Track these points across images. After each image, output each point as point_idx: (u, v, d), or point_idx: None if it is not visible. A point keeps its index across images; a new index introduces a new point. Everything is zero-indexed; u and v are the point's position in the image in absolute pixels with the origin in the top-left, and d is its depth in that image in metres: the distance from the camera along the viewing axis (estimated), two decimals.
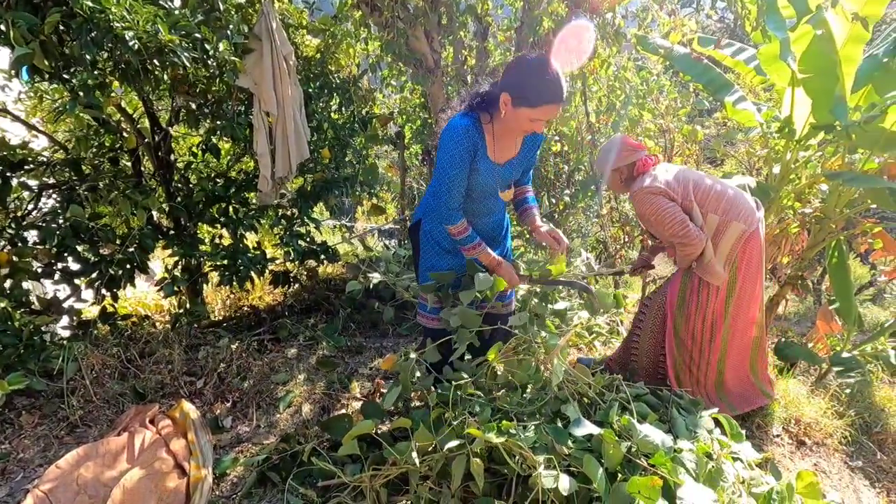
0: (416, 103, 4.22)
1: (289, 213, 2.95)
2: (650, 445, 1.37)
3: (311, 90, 2.91)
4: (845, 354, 3.49)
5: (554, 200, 5.20)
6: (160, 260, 3.42)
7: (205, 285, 3.07)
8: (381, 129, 3.31)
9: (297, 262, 2.96)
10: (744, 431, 1.68)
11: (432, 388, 1.74)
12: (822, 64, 3.17)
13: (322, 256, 2.94)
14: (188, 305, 2.75)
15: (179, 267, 2.69)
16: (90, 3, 1.72)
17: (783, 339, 3.82)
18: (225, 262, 2.61)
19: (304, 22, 3.50)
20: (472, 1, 3.54)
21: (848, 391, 2.57)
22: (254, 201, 2.84)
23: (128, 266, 2.41)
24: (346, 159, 3.16)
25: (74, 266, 2.35)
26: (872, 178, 3.23)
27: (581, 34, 3.27)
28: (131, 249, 2.39)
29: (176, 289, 2.57)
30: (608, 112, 4.16)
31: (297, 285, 3.19)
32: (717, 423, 1.69)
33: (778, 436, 2.27)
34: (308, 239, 2.95)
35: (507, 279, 1.84)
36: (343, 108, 3.12)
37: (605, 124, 4.20)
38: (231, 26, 2.22)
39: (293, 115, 2.52)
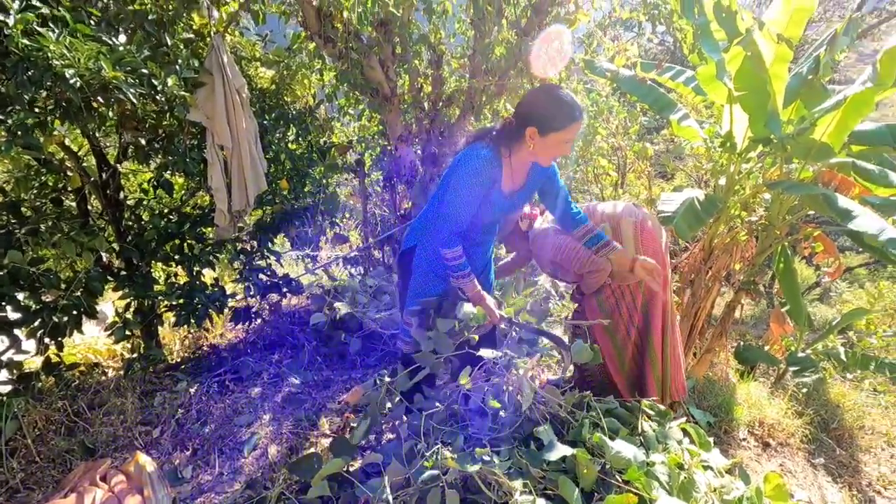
0: (374, 131, 4.24)
1: (248, 246, 2.87)
2: (623, 461, 1.38)
3: (266, 122, 2.88)
4: (800, 354, 3.66)
5: None
6: (111, 302, 3.25)
7: (160, 327, 2.93)
8: (340, 158, 3.30)
9: (258, 297, 2.87)
10: (712, 439, 1.72)
11: (404, 418, 1.69)
12: (755, 82, 3.39)
13: (285, 290, 2.86)
14: (142, 349, 2.61)
15: (132, 309, 2.56)
16: (26, 42, 1.65)
17: (742, 343, 3.97)
18: (181, 301, 2.50)
19: (256, 54, 3.49)
20: (424, 31, 3.62)
21: (805, 390, 2.68)
22: (210, 236, 2.75)
23: (74, 312, 2.27)
24: (306, 189, 3.12)
25: (14, 315, 2.19)
26: (808, 186, 3.44)
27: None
28: (77, 294, 2.26)
29: (128, 332, 2.44)
30: None
31: (259, 321, 3.08)
32: (685, 431, 1.71)
33: (744, 439, 2.33)
34: (269, 272, 2.87)
35: (487, 314, 1.85)
36: (300, 139, 3.10)
37: None
38: (180, 61, 2.18)
39: (248, 147, 2.48)
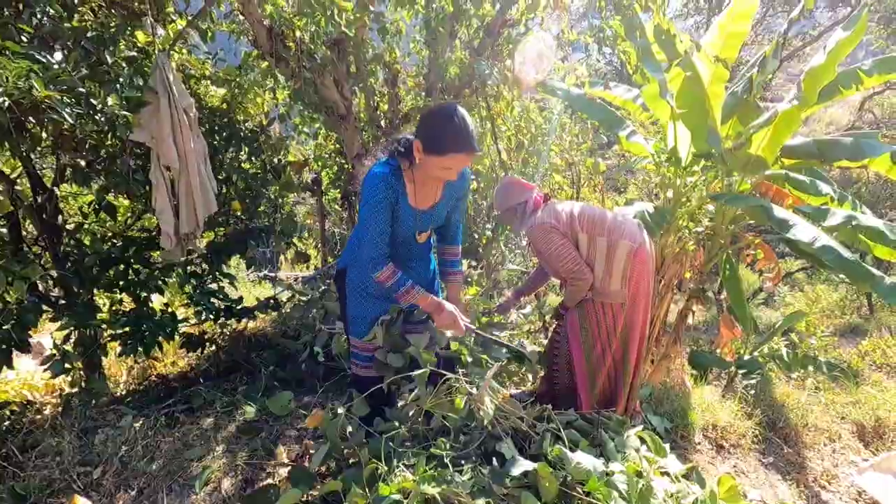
0: (331, 149, 4.20)
1: (199, 269, 2.76)
2: (583, 473, 1.39)
3: (216, 142, 2.80)
4: (747, 357, 3.83)
5: (476, 235, 5.38)
6: (50, 334, 3.04)
7: (105, 357, 2.75)
8: (295, 176, 3.25)
9: (212, 322, 2.76)
10: (668, 445, 1.77)
11: (364, 442, 1.65)
12: (694, 100, 3.59)
13: (239, 313, 2.76)
14: (83, 383, 2.44)
15: (72, 340, 2.40)
16: None
17: (694, 349, 4.13)
18: (126, 329, 2.36)
19: (206, 72, 3.41)
20: (378, 50, 3.65)
21: (752, 392, 2.80)
22: (158, 260, 2.63)
23: (3, 346, 2.11)
24: (260, 209, 3.05)
25: None
26: (747, 198, 3.66)
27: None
28: (6, 327, 2.10)
29: (67, 366, 2.28)
30: (518, 150, 4.40)
31: (213, 347, 2.95)
32: (643, 439, 1.75)
33: (699, 443, 2.41)
34: (222, 296, 2.76)
35: (448, 324, 1.79)
36: (253, 158, 3.03)
37: (516, 161, 4.43)
38: (122, 79, 2.10)
39: (197, 168, 2.40)
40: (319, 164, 4.27)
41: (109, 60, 2.06)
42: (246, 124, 3.13)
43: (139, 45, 2.56)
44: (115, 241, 2.59)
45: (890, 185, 8.38)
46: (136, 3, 2.55)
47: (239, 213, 2.79)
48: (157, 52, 2.33)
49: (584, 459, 1.43)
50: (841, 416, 2.72)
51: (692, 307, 4.34)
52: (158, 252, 2.53)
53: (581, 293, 2.24)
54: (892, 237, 3.09)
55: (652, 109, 4.28)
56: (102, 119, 1.99)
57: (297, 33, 2.94)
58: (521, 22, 3.78)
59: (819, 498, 2.12)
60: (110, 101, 1.95)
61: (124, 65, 2.16)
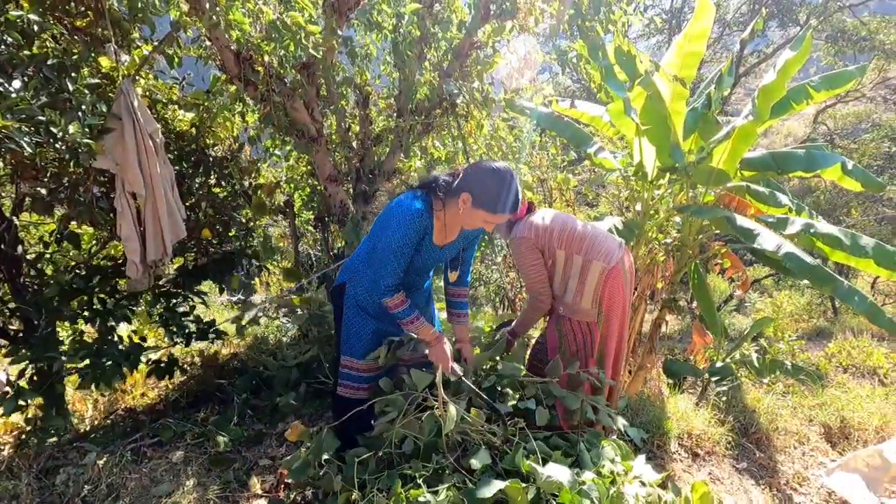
0: (303, 171, 4.19)
1: (169, 289, 2.69)
2: (555, 485, 1.40)
3: (183, 167, 2.76)
4: (719, 364, 3.92)
5: None
6: (3, 370, 2.90)
7: (66, 392, 2.64)
8: (267, 199, 3.22)
9: (182, 346, 2.68)
10: (643, 456, 1.79)
11: (338, 469, 1.62)
12: (657, 117, 3.73)
13: (212, 336, 2.69)
14: (40, 420, 2.33)
15: (27, 375, 2.30)
16: None
17: (668, 358, 4.20)
18: (86, 361, 2.28)
19: (174, 97, 3.38)
20: (349, 73, 3.69)
21: (724, 399, 2.86)
22: (124, 289, 2.56)
23: None
24: (231, 234, 3.01)
25: None
26: (712, 210, 3.79)
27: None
28: None
29: (21, 403, 2.18)
30: None
31: (182, 377, 2.86)
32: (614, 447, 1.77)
33: (675, 452, 2.44)
34: (193, 319, 2.70)
35: (439, 358, 1.83)
36: (223, 182, 3.00)
37: None
38: (84, 107, 2.07)
39: (164, 194, 2.36)
40: (291, 186, 4.25)
41: (71, 88, 2.03)
42: (215, 148, 3.10)
43: (104, 71, 2.53)
44: (78, 270, 2.51)
45: (845, 193, 8.79)
46: (100, 30, 2.53)
47: (209, 240, 2.74)
48: (120, 78, 2.31)
49: (555, 472, 1.44)
50: (809, 419, 2.80)
51: (665, 317, 4.43)
52: (125, 281, 2.46)
53: (534, 318, 2.30)
54: (847, 243, 3.24)
55: (618, 126, 4.42)
56: (63, 147, 1.95)
57: (266, 57, 2.95)
58: (488, 44, 3.88)
59: (791, 501, 2.17)
60: (72, 128, 1.91)
61: (87, 92, 2.12)
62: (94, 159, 2.16)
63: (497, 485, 1.39)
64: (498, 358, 2.23)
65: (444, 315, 2.25)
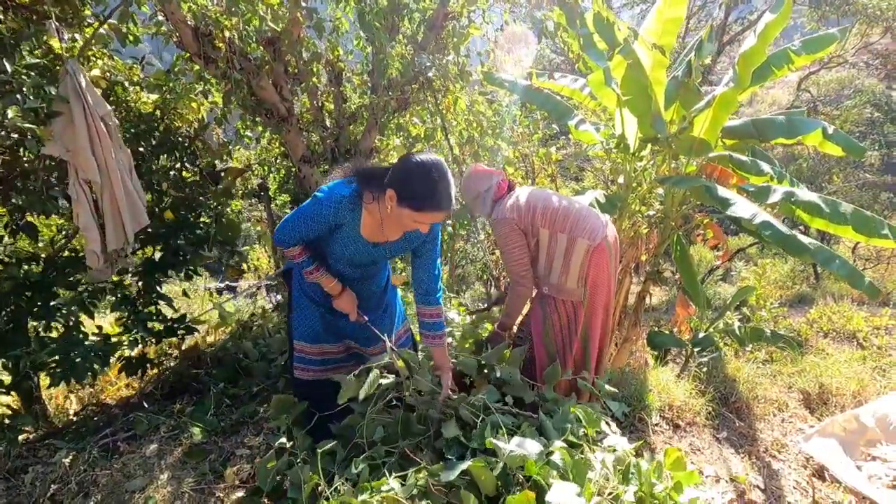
0: (276, 153, 4.06)
1: (132, 291, 2.60)
2: (518, 459, 1.37)
3: (144, 149, 2.64)
4: (701, 335, 3.94)
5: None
6: None
7: (37, 388, 2.57)
8: (234, 183, 3.11)
9: (154, 344, 2.61)
10: (614, 425, 1.78)
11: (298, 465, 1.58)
12: (638, 87, 3.64)
13: (181, 332, 2.62)
14: (9, 420, 2.27)
15: None
16: None
17: (652, 330, 4.21)
18: (55, 358, 2.20)
19: (135, 78, 3.22)
20: (321, 49, 3.53)
21: (705, 370, 2.86)
22: (88, 281, 2.46)
23: None
24: (201, 220, 2.90)
25: None
26: (692, 179, 3.75)
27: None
28: None
29: None
30: (469, 143, 4.38)
31: (154, 370, 2.79)
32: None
33: (657, 424, 2.44)
34: (159, 318, 2.61)
35: (342, 307, 1.81)
36: (188, 165, 2.88)
37: (468, 155, 4.41)
38: (24, 89, 1.94)
39: (121, 180, 2.25)
40: (266, 168, 4.12)
41: (9, 69, 1.89)
42: (180, 130, 2.97)
43: (55, 52, 2.38)
44: (34, 263, 2.40)
45: (827, 160, 8.82)
46: (47, 7, 2.36)
47: (171, 223, 2.63)
48: (65, 58, 2.17)
49: (519, 445, 1.41)
50: (788, 386, 2.82)
51: (649, 289, 4.43)
52: (86, 273, 2.37)
53: (519, 305, 2.24)
54: (827, 210, 3.22)
55: (599, 97, 4.32)
56: (3, 133, 1.83)
57: (227, 33, 2.81)
58: (462, 14, 3.74)
59: (770, 468, 2.18)
60: (10, 113, 1.79)
61: (26, 74, 1.99)
62: (43, 145, 2.05)
63: (460, 466, 1.36)
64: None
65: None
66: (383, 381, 1.69)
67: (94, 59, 3.03)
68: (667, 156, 4.07)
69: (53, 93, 2.14)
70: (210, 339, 3.58)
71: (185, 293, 3.43)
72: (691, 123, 3.75)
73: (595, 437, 1.67)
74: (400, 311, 2.09)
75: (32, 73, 2.01)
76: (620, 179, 4.53)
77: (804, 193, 3.31)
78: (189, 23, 2.66)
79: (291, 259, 1.77)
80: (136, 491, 1.98)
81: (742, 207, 3.14)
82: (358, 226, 1.68)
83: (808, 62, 4.15)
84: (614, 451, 1.63)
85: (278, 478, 1.63)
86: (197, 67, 3.05)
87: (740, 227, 4.42)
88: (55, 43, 2.40)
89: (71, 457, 2.04)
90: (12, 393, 2.51)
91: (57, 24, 2.20)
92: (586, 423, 1.60)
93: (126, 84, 3.15)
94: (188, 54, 2.99)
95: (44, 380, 2.57)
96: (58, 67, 2.31)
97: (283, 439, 1.68)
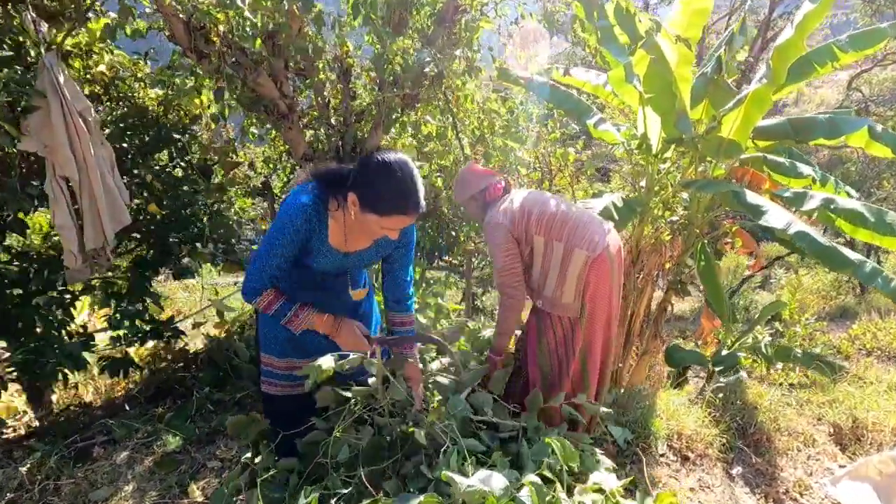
0: (281, 151, 3.99)
1: (121, 287, 2.54)
2: (477, 495, 1.20)
3: (129, 144, 2.57)
4: (724, 353, 3.64)
5: (454, 233, 5.23)
6: None
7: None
8: (232, 180, 3.03)
9: (138, 345, 2.55)
10: (603, 456, 1.59)
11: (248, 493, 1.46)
12: (662, 84, 3.39)
13: (168, 334, 2.55)
14: None
15: None
16: None
17: (672, 345, 3.93)
18: (24, 361, 2.14)
19: (139, 73, 3.19)
20: (329, 44, 3.43)
21: (721, 396, 2.60)
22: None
23: None
24: (192, 216, 2.82)
25: None
26: (719, 183, 3.46)
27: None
28: None
29: None
30: (481, 142, 4.20)
31: (138, 372, 2.73)
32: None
33: (663, 454, 2.21)
34: (146, 317, 2.55)
35: (350, 345, 1.57)
36: (179, 160, 2.80)
37: (479, 155, 4.23)
38: None
39: (100, 177, 2.19)
40: (271, 166, 4.05)
41: None
42: (178, 125, 2.91)
43: (30, 44, 2.32)
44: (12, 263, 2.35)
45: (877, 164, 8.18)
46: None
47: (158, 219, 2.55)
48: (43, 51, 2.12)
49: (484, 480, 1.24)
50: (817, 418, 2.53)
51: (670, 299, 4.15)
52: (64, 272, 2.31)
53: (511, 322, 2.05)
54: (872, 219, 2.91)
55: (619, 95, 4.07)
56: None
57: (221, 27, 2.72)
58: (474, 7, 3.57)
59: None
60: None
61: (6, 68, 1.93)
62: (19, 141, 1.99)
63: (414, 500, 1.20)
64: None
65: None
66: (353, 392, 1.56)
67: (97, 54, 3.01)
68: (693, 158, 3.78)
69: (29, 87, 2.08)
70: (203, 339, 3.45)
71: (157, 304, 3.22)
72: (720, 123, 3.47)
73: (579, 470, 1.49)
74: (376, 318, 1.94)
75: (5, 69, 1.95)
76: (643, 182, 4.27)
77: (846, 201, 2.99)
78: (180, 16, 2.58)
79: (267, 311, 1.54)
80: (99, 502, 1.90)
81: (775, 216, 2.86)
82: (326, 235, 1.53)
83: (854, 59, 3.78)
84: (599, 489, 1.44)
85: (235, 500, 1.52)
86: (192, 62, 2.99)
87: (772, 237, 4.09)
88: (31, 35, 2.34)
89: (29, 465, 1.97)
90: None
91: (34, 15, 2.14)
92: (561, 457, 1.41)
93: (131, 79, 3.13)
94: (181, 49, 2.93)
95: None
96: (31, 59, 2.25)
97: (249, 454, 1.57)
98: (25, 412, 2.55)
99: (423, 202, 1.43)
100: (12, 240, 2.47)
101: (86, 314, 3.05)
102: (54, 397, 2.65)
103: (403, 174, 1.38)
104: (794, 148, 4.07)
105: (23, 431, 2.42)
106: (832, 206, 2.97)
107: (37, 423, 2.53)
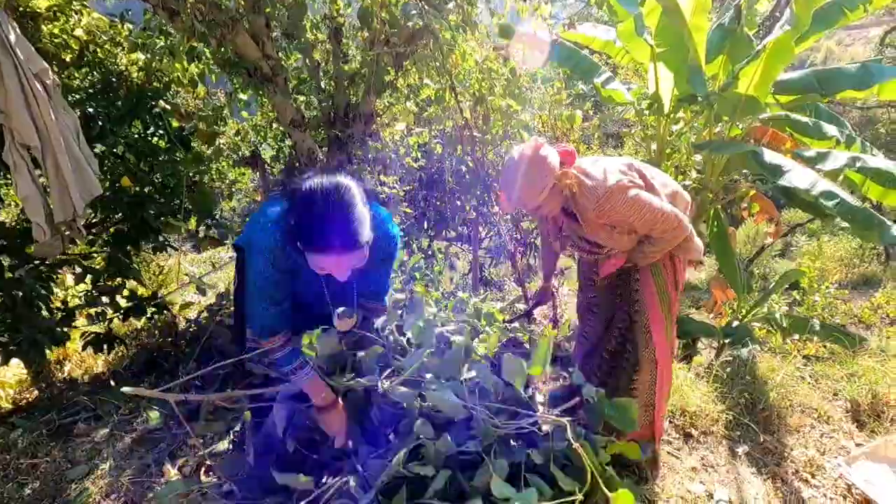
0: (271, 117, 3.81)
1: (99, 264, 2.45)
2: None
3: (98, 111, 2.43)
4: (735, 324, 3.47)
5: (459, 202, 4.98)
6: None
7: None
8: (211, 148, 2.89)
9: (120, 320, 2.48)
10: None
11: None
12: (674, 36, 3.12)
13: (151, 310, 2.47)
14: None
15: None
16: None
17: (682, 315, 3.77)
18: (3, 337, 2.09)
19: (119, 38, 3.03)
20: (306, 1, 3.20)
21: (728, 369, 2.44)
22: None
23: None
24: (170, 188, 2.70)
25: None
26: (735, 144, 3.21)
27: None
28: None
29: None
30: (481, 104, 3.96)
31: (121, 347, 2.67)
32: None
33: (665, 431, 2.09)
34: (125, 292, 2.47)
35: (330, 427, 1.40)
36: (155, 128, 2.66)
37: (479, 118, 4.00)
38: None
39: (64, 145, 2.06)
40: (262, 135, 3.89)
41: None
42: (159, 92, 2.76)
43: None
44: None
45: None
46: None
47: (131, 193, 2.44)
48: None
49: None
50: (833, 393, 2.37)
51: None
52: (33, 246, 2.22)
53: (667, 249, 1.71)
54: None
55: (629, 50, 3.79)
56: None
57: None
58: None
59: (798, 494, 1.80)
60: None
61: None
62: None
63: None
64: None
65: None
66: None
67: (71, 16, 2.85)
68: (708, 118, 3.52)
69: None
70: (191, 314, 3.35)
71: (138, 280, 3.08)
72: (737, 78, 3.19)
73: None
74: None
75: None
76: (654, 146, 4.02)
77: (876, 160, 2.74)
78: None
79: (271, 360, 1.39)
80: (75, 480, 1.86)
81: (798, 175, 2.63)
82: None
83: (888, 3, 3.43)
84: None
85: None
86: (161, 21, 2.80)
87: (792, 203, 3.82)
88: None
89: (5, 441, 1.93)
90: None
91: None
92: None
93: (109, 44, 2.97)
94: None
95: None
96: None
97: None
98: (14, 387, 2.52)
99: (358, 237, 1.18)
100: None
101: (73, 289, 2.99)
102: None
103: (327, 206, 1.15)
104: (823, 105, 3.76)
105: (10, 407, 2.38)
106: (858, 165, 2.72)
107: (25, 399, 2.51)
